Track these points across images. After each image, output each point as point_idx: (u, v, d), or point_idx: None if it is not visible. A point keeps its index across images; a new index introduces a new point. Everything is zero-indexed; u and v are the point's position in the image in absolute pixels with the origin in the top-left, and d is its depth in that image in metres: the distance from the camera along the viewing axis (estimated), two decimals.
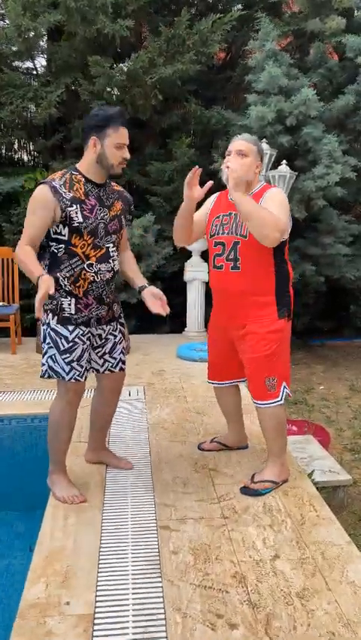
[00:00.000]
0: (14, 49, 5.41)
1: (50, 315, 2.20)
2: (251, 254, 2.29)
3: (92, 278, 2.19)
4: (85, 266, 2.17)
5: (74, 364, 2.20)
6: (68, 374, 2.20)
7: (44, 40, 5.70)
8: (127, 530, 2.09)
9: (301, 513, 2.22)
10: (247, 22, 5.73)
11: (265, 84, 4.92)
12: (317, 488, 2.48)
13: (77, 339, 2.21)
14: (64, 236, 2.13)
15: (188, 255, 5.35)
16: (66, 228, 2.12)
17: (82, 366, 2.22)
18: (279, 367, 2.36)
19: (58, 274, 2.15)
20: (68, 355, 2.19)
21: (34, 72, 5.78)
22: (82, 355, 2.22)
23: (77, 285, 2.18)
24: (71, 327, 2.20)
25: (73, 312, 2.20)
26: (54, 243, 2.15)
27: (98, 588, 1.77)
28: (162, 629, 1.59)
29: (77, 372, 2.21)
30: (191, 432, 3.04)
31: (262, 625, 1.61)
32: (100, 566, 1.88)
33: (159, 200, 5.69)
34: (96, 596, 1.73)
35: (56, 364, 2.19)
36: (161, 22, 5.32)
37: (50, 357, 2.20)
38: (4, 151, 6.47)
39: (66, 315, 2.20)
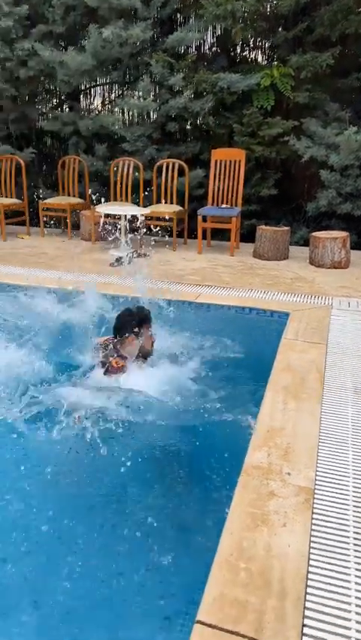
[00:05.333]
0: None
1: None
2: None
3: None
4: None
5: None
6: None
7: None
8: (347, 424, 2.08)
9: None
10: None
11: None
12: None
13: None
14: None
15: None
16: None
17: None
18: None
19: None
20: None
21: None
22: None
23: None
24: None
25: None
26: None
27: (318, 468, 1.80)
28: None
29: None
30: None
31: None
32: (320, 450, 1.91)
33: None
34: (316, 474, 1.77)
35: None
36: None
37: None
38: (238, 50, 6.31)
39: None
